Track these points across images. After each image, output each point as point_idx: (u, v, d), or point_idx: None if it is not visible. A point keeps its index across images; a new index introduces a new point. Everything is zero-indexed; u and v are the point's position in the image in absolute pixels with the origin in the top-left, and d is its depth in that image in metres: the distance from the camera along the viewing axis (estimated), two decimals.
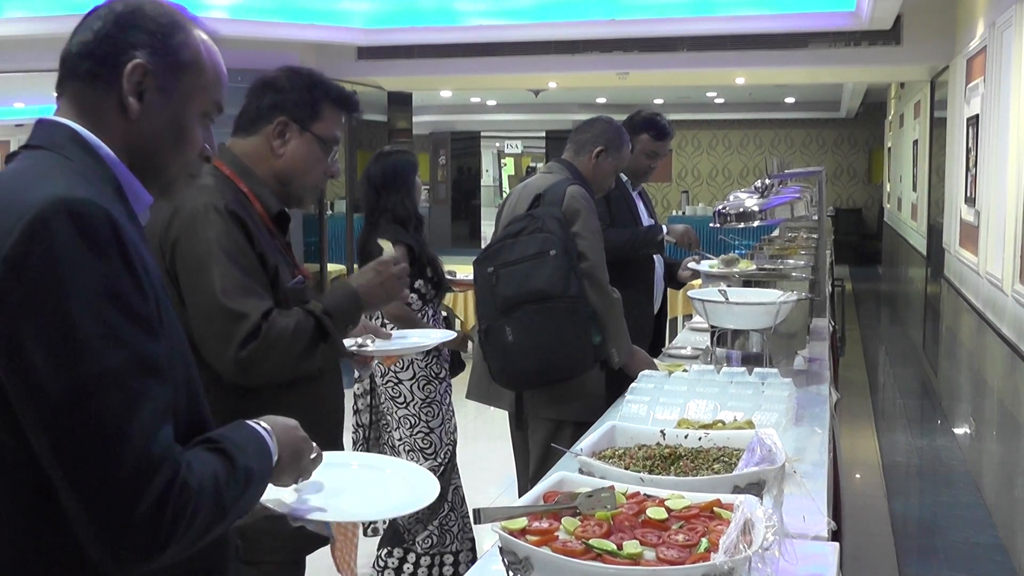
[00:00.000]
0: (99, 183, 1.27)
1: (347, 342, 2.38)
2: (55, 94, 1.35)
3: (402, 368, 3.71)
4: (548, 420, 3.35)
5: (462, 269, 5.15)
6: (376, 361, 2.64)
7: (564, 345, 3.19)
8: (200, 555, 1.30)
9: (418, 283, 3.78)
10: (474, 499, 4.10)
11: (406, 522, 3.73)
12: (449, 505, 3.75)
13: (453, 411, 3.88)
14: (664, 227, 4.11)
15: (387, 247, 2.31)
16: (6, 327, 1.13)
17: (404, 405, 3.73)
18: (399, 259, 2.21)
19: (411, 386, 3.73)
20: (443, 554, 3.74)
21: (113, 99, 1.31)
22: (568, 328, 3.17)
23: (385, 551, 3.78)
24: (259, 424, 1.41)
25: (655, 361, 3.41)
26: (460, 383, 3.86)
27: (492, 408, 3.67)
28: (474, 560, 3.74)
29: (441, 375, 3.80)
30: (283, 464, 1.43)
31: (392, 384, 3.73)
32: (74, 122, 1.31)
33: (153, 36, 1.32)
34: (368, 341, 2.38)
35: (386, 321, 3.72)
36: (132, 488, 1.15)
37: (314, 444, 1.52)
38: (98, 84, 1.31)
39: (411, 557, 3.74)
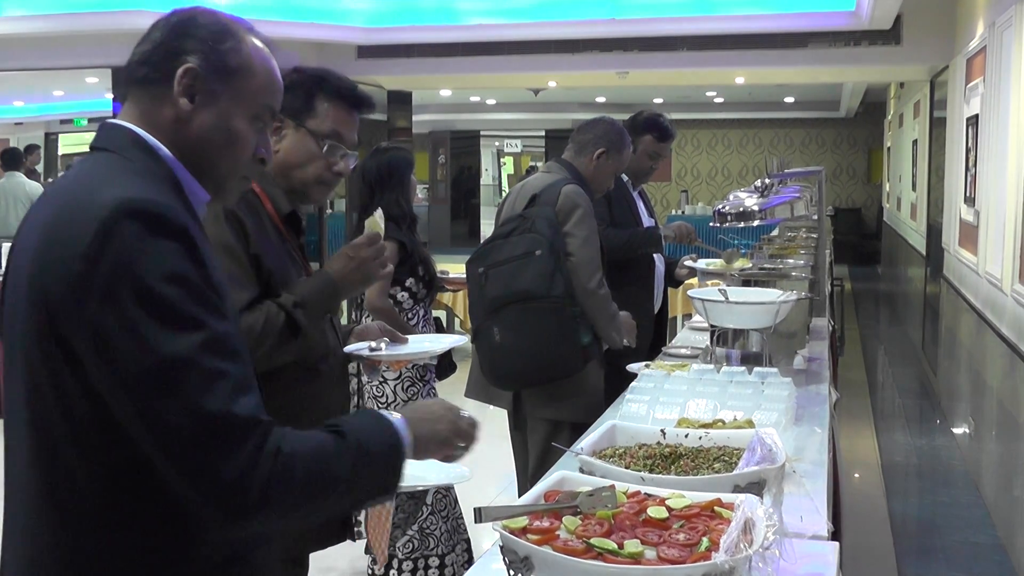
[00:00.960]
0: (159, 182, 1.36)
1: (360, 345, 2.36)
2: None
3: (388, 367, 3.69)
4: (546, 420, 3.35)
5: (459, 269, 5.14)
6: (384, 366, 2.60)
7: (549, 346, 3.19)
8: (232, 540, 1.37)
9: (409, 281, 3.76)
10: (474, 498, 4.06)
11: None
12: (429, 509, 3.71)
13: None
14: (659, 228, 4.11)
15: (370, 225, 2.25)
16: (90, 318, 1.23)
17: (385, 406, 3.70)
18: (375, 238, 2.15)
19: (395, 387, 3.70)
20: (427, 557, 3.71)
21: (167, 101, 1.40)
22: (553, 328, 3.18)
23: (370, 559, 3.77)
24: (383, 411, 1.48)
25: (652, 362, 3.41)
26: (458, 382, 3.85)
27: (492, 407, 3.67)
28: (470, 561, 3.73)
29: (426, 377, 3.77)
30: (423, 436, 1.47)
31: (378, 383, 3.72)
32: (134, 125, 1.40)
33: (204, 42, 1.41)
34: (382, 344, 2.36)
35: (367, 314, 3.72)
36: (221, 452, 1.23)
37: (463, 409, 1.56)
38: (154, 88, 1.41)
39: (394, 563, 3.73)
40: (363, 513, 3.60)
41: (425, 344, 2.55)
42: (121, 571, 1.32)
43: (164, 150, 1.39)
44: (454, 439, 1.53)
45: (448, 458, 1.54)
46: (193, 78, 1.40)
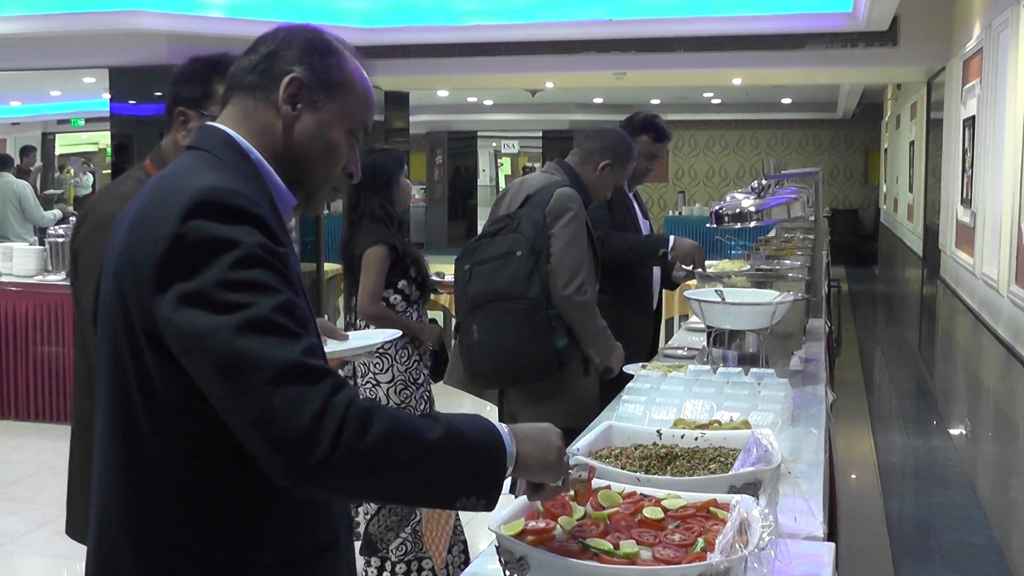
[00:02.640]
0: (246, 180, 1.42)
1: None
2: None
3: (381, 371, 3.68)
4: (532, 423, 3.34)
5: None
6: None
7: (521, 346, 3.19)
8: (298, 537, 1.40)
9: (401, 284, 3.73)
10: None
11: (377, 531, 3.71)
12: (424, 510, 3.70)
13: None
14: (671, 239, 4.00)
15: None
16: (175, 293, 1.29)
17: None
18: None
19: (388, 390, 3.69)
20: (420, 559, 3.70)
21: (270, 108, 1.48)
22: (525, 330, 3.18)
23: (364, 561, 3.76)
24: (491, 420, 1.41)
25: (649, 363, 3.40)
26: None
27: (488, 406, 3.67)
28: (466, 563, 3.73)
29: (419, 380, 3.76)
30: (530, 457, 1.39)
31: (370, 386, 3.70)
32: (231, 128, 1.47)
33: (310, 55, 1.50)
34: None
35: (361, 321, 3.69)
36: (294, 398, 1.25)
37: (567, 457, 1.46)
38: (258, 94, 1.48)
39: (388, 565, 3.72)
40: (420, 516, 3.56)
41: (354, 342, 2.40)
42: (184, 552, 1.36)
43: (255, 153, 1.46)
44: (560, 468, 1.43)
45: (543, 492, 1.43)
46: (298, 87, 1.47)
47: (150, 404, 1.35)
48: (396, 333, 2.60)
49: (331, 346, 2.27)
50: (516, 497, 1.45)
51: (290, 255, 1.38)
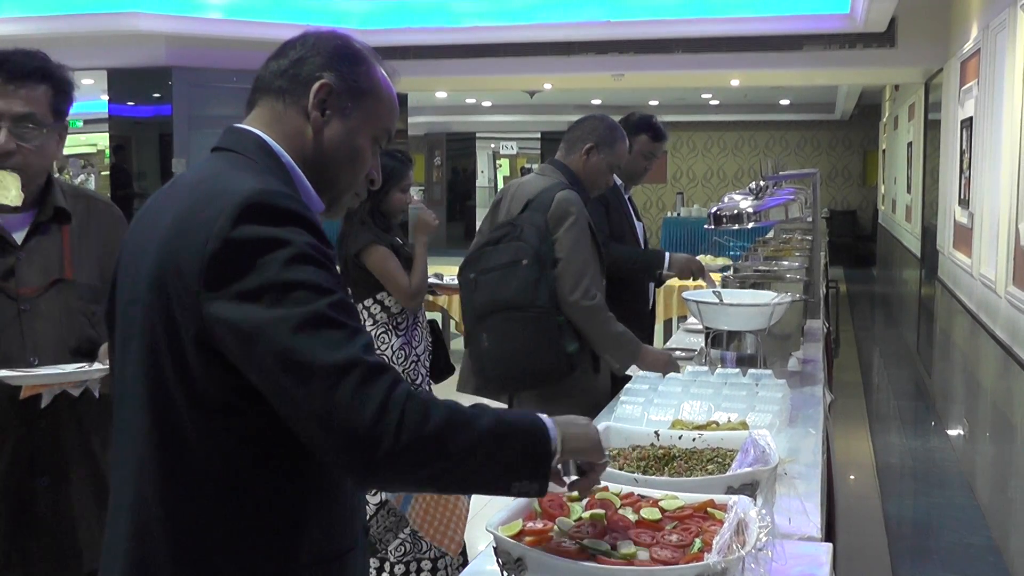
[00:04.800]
0: (281, 184, 1.44)
1: (27, 371, 2.06)
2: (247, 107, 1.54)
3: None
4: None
5: (455, 271, 5.13)
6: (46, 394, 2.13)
7: (532, 355, 3.17)
8: (332, 536, 1.42)
9: None
10: (472, 499, 4.09)
11: (376, 531, 3.70)
12: None
13: None
14: (667, 258, 3.99)
15: None
16: (230, 292, 1.30)
17: None
18: None
19: None
20: (419, 560, 3.70)
21: (299, 113, 1.50)
22: (536, 338, 3.16)
23: None
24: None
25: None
26: (452, 385, 3.84)
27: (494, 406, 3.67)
28: (464, 564, 3.73)
29: (417, 381, 3.74)
30: (574, 439, 1.43)
31: None
32: (261, 131, 1.49)
33: (340, 62, 1.52)
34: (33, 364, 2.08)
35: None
36: (356, 391, 1.27)
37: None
38: (287, 99, 1.50)
39: (386, 566, 3.71)
40: (413, 506, 3.57)
41: (55, 370, 2.12)
42: (227, 552, 1.37)
43: (286, 157, 1.48)
44: (601, 447, 1.47)
45: (590, 478, 1.45)
46: (327, 93, 1.49)
47: (194, 407, 1.36)
48: (95, 368, 2.16)
49: (40, 371, 2.06)
50: (568, 485, 1.44)
51: (333, 255, 1.41)
